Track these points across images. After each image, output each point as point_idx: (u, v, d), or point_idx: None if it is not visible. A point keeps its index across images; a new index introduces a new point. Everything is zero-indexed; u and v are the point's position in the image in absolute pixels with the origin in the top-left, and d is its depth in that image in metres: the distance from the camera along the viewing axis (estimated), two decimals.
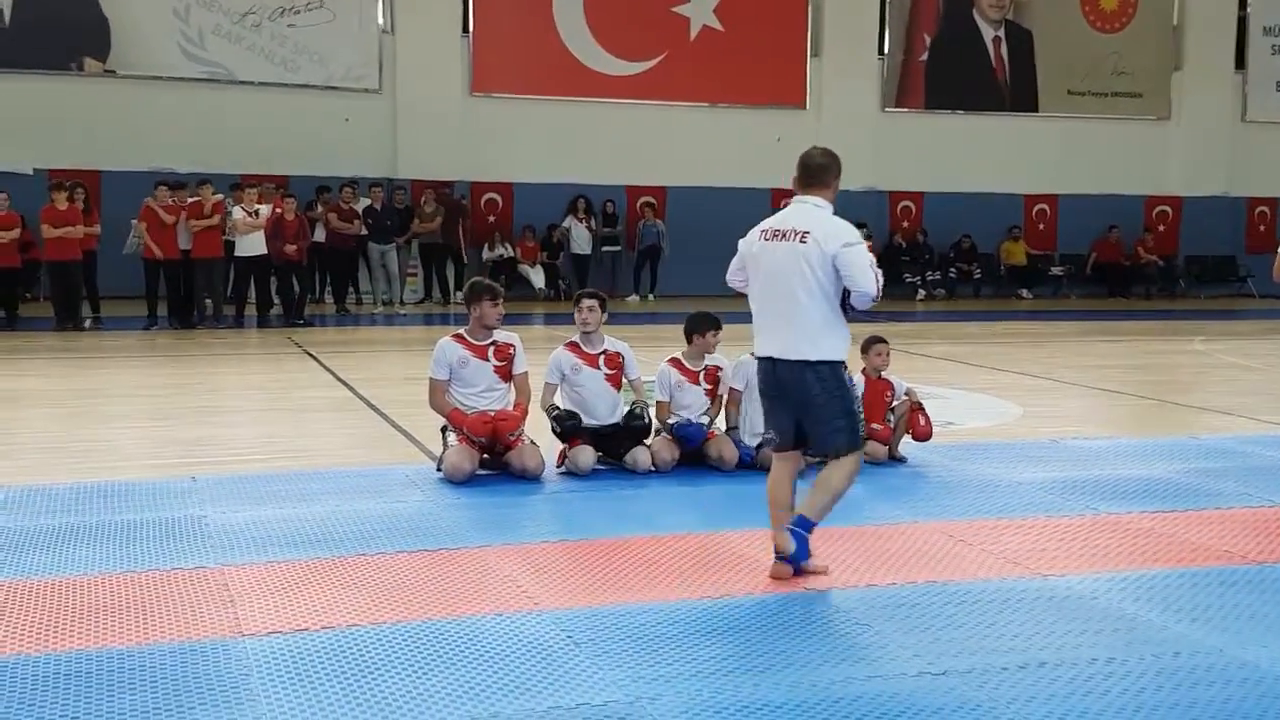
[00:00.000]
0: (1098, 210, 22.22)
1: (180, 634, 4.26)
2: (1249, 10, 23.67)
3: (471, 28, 20.24)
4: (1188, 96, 23.26)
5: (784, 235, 4.90)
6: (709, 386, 7.27)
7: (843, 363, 4.96)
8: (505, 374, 6.92)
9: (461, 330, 6.98)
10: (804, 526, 4.95)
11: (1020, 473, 7.07)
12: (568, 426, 6.98)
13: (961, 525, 5.91)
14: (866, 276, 4.80)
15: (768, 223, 5.00)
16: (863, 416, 5.20)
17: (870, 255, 4.87)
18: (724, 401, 7.33)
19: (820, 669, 4.02)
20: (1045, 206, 22.78)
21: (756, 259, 4.99)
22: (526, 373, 7.04)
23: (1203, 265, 23.33)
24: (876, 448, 7.28)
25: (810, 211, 4.92)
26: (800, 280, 4.83)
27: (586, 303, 7.19)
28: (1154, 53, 23.18)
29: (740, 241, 5.15)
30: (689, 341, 7.33)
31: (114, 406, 9.74)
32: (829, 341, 4.89)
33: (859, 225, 25.38)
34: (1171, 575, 5.15)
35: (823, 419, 4.93)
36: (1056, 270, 22.20)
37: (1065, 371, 11.91)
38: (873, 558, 5.33)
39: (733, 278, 5.20)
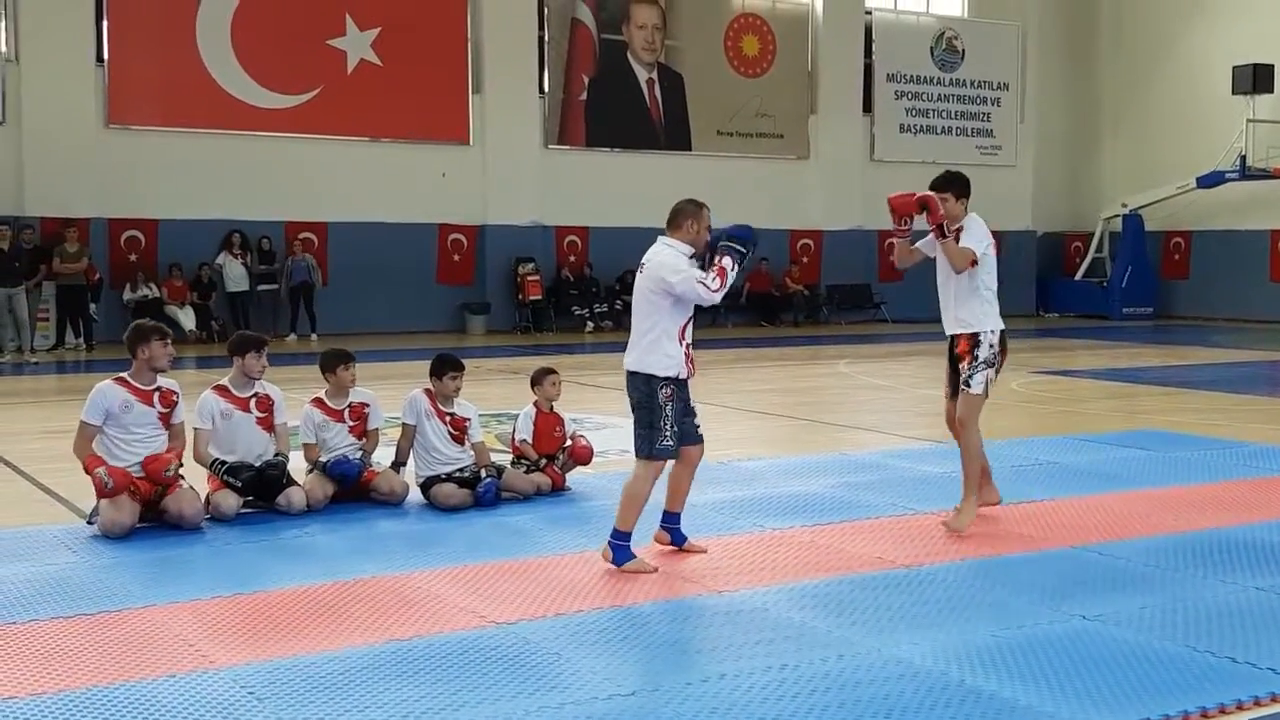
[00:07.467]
0: None
1: None
2: (874, 59, 25.81)
3: (106, 56, 19.06)
4: (823, 138, 25.06)
5: (641, 267, 5.76)
6: (354, 423, 7.20)
7: (663, 379, 5.63)
8: (167, 420, 6.60)
9: (125, 374, 6.58)
10: (618, 537, 5.69)
11: (692, 495, 7.32)
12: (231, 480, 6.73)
13: (639, 549, 6.08)
14: (691, 289, 5.56)
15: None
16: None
17: (696, 271, 5.66)
18: (377, 436, 7.32)
19: (515, 700, 4.03)
20: None
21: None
22: (184, 422, 6.78)
23: (842, 293, 25.14)
24: (543, 479, 7.40)
25: (659, 248, 5.77)
26: (644, 301, 5.67)
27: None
28: (792, 97, 24.84)
29: None
30: (325, 379, 7.29)
31: None
32: (652, 358, 5.62)
33: (527, 260, 25.38)
34: (833, 583, 5.51)
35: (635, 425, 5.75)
36: None
37: (726, 396, 12.50)
38: (555, 588, 5.40)
39: None
